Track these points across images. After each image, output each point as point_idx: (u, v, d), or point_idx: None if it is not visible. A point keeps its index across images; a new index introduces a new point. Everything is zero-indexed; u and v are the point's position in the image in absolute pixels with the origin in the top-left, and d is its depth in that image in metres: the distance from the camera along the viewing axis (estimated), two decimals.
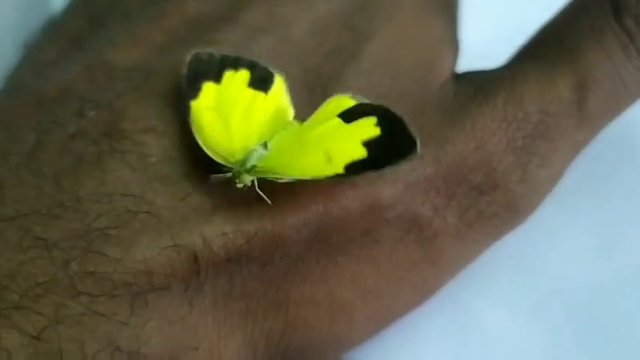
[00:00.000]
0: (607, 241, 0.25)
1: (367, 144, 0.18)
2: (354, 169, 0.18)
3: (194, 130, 0.19)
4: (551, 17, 0.23)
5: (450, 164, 0.21)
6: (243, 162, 0.19)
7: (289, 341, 0.20)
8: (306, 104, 0.21)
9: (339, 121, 0.19)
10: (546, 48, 0.22)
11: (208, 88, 0.20)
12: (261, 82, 0.20)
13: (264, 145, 0.19)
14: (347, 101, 0.20)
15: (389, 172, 0.19)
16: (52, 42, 0.23)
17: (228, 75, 0.20)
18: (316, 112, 0.20)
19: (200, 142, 0.19)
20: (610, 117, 0.22)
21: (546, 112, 0.21)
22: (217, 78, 0.20)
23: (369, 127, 0.19)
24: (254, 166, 0.19)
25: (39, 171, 0.19)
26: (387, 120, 0.19)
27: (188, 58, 0.20)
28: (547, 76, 0.21)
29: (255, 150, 0.19)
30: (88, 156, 0.19)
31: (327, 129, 0.19)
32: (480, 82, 0.22)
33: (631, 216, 0.26)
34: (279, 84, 0.20)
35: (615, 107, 0.22)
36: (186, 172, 0.19)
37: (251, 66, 0.20)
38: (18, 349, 0.16)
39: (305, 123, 0.20)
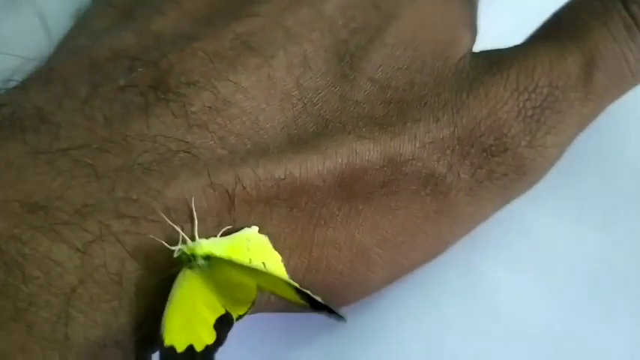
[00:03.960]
0: (610, 211, 0.25)
1: None
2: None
3: None
4: (563, 3, 0.23)
5: (465, 127, 0.21)
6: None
7: (312, 280, 0.20)
8: (336, 72, 0.21)
9: None
10: (557, 29, 0.23)
11: None
12: None
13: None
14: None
15: None
16: (103, 11, 0.23)
17: None
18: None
19: None
20: (614, 94, 0.22)
21: (555, 86, 0.21)
22: None
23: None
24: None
25: (91, 115, 0.19)
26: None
27: None
28: (557, 53, 0.22)
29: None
30: (136, 104, 0.19)
31: None
32: (495, 57, 0.22)
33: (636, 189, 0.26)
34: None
35: (619, 85, 0.22)
36: (225, 124, 0.19)
37: None
38: (66, 260, 0.17)
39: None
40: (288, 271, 0.20)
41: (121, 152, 0.18)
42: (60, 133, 0.18)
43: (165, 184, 0.18)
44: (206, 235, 0.18)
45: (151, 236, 0.17)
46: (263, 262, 0.18)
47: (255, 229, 0.19)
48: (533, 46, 0.22)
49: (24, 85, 0.20)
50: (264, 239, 0.19)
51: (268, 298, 0.20)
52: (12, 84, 0.20)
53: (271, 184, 0.19)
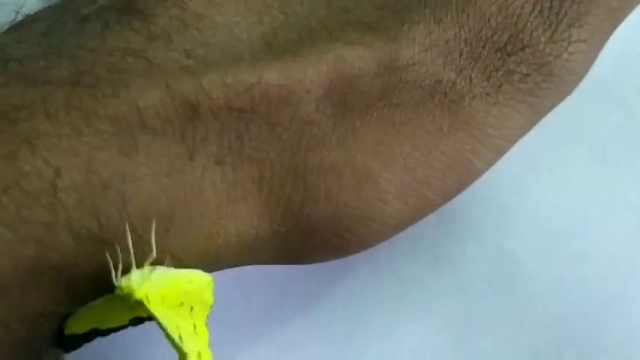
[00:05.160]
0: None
1: None
2: None
3: None
4: None
5: (472, 27, 0.18)
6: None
7: (311, 213, 0.17)
8: None
9: None
10: None
11: None
12: None
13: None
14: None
15: None
16: None
17: None
18: None
19: None
20: None
21: None
22: None
23: None
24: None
25: (47, 44, 0.16)
26: None
27: None
28: None
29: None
30: (94, 25, 0.17)
31: None
32: None
33: None
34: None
35: None
36: (193, 36, 0.17)
37: None
38: None
39: None
40: (279, 202, 0.17)
41: (68, 64, 0.16)
42: (6, 52, 0.16)
43: (114, 91, 0.15)
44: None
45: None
46: (191, 307, 0.16)
47: (200, 273, 0.16)
48: None
49: None
50: (207, 280, 0.16)
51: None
52: None
53: (242, 90, 0.16)
